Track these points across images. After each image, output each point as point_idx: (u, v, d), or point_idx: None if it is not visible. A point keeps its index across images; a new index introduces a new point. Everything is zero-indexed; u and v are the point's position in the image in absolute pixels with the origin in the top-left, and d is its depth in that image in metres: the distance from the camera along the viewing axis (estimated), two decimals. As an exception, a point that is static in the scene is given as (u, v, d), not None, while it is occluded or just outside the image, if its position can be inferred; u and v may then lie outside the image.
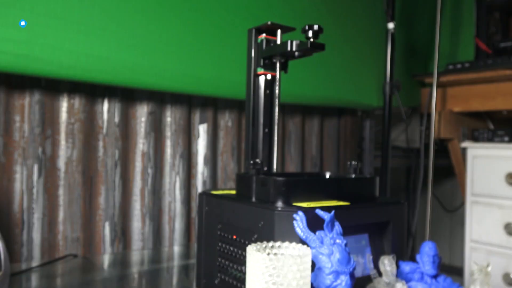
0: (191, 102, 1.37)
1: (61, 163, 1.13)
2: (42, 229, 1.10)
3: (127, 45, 1.13)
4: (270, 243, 0.61)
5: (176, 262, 1.19)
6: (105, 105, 1.20)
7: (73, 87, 1.15)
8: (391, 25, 1.57)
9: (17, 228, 1.07)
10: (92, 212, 1.19)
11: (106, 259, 1.16)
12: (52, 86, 1.12)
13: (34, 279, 0.97)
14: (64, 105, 1.14)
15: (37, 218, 1.10)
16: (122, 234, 1.23)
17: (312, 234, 0.62)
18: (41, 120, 1.10)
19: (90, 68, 1.09)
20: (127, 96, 1.24)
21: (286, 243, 0.61)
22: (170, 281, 1.02)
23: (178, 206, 1.32)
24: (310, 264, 0.57)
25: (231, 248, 0.75)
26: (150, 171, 1.26)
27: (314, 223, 0.64)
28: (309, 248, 0.60)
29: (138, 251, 1.24)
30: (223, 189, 0.90)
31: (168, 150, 1.31)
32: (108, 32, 1.10)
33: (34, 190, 1.09)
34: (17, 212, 1.08)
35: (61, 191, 1.13)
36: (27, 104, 1.08)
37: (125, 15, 1.12)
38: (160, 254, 1.24)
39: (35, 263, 1.06)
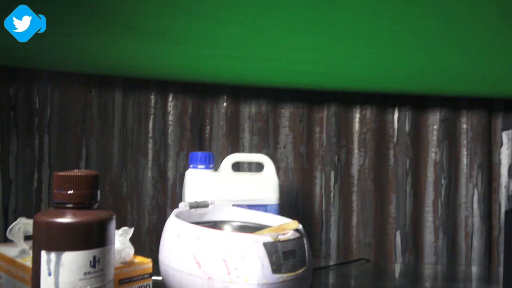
0: (492, 106, 1.21)
1: (354, 170, 1.20)
2: (338, 231, 1.20)
3: (417, 51, 1.11)
4: None
5: (475, 284, 1.07)
6: (396, 114, 1.21)
7: (365, 99, 1.20)
8: None
9: (317, 228, 1.20)
10: (384, 219, 1.21)
11: (397, 268, 1.16)
12: (346, 99, 1.21)
13: (331, 276, 1.06)
14: (356, 116, 1.21)
15: (333, 220, 1.20)
16: (414, 245, 1.20)
17: None
18: (336, 131, 1.20)
19: (380, 78, 1.13)
20: (418, 104, 1.21)
21: None
22: (466, 303, 0.93)
23: (476, 222, 1.19)
24: None
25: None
26: (443, 181, 1.19)
27: None
28: None
29: (430, 265, 1.18)
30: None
31: (464, 160, 1.21)
32: (397, 42, 1.11)
33: (331, 195, 1.19)
34: (317, 214, 1.20)
35: (354, 197, 1.20)
36: (325, 117, 1.20)
37: (413, 23, 1.11)
38: (455, 272, 1.14)
39: (331, 262, 1.16)
